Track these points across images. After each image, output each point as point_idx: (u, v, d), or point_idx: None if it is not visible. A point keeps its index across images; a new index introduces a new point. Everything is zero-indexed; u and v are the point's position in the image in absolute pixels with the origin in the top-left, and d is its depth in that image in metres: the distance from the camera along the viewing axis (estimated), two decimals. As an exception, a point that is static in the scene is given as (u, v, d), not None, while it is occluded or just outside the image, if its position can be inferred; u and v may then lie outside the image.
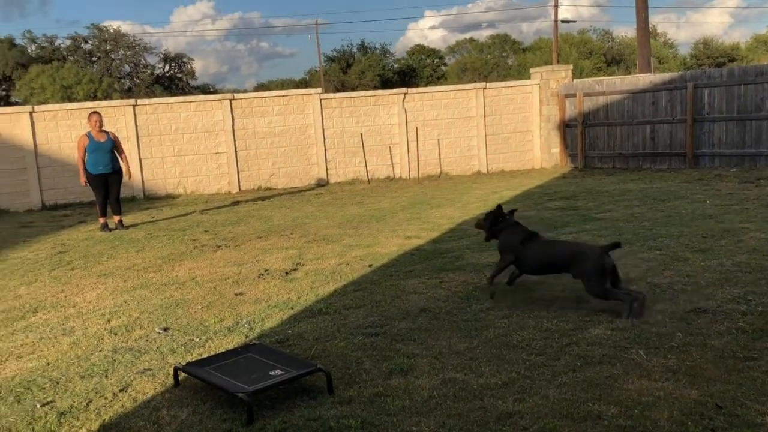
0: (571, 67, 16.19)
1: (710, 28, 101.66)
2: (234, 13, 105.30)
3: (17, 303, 6.00)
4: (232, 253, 7.73)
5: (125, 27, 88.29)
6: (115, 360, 4.39)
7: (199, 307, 5.53)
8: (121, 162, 10.03)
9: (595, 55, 52.64)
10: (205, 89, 53.32)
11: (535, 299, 5.17)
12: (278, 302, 5.50)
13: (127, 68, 54.55)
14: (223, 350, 4.36)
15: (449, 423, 3.26)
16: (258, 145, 14.60)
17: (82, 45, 53.59)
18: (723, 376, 3.59)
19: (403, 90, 15.48)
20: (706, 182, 11.30)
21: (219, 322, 5.07)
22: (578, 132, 15.10)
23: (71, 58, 51.80)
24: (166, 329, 4.97)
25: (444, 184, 13.91)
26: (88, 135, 9.74)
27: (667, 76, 14.22)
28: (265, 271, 6.66)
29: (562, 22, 39.26)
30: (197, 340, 4.71)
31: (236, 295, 5.84)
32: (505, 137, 15.70)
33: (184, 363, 4.03)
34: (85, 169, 9.76)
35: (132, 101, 14.31)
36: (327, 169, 14.92)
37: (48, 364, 4.41)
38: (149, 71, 54.44)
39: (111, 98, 37.71)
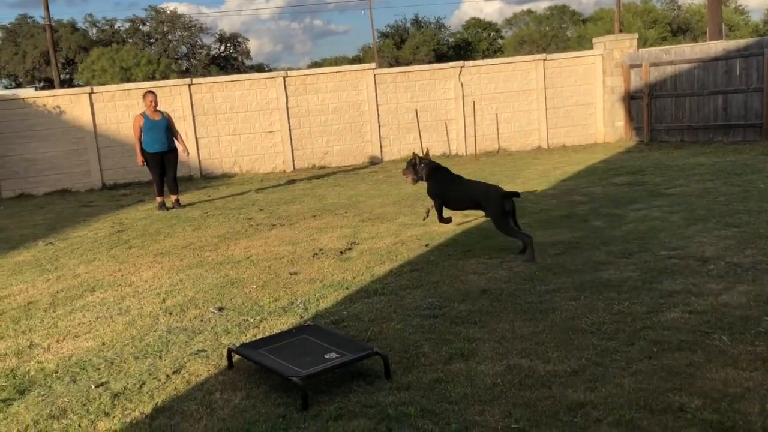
0: (636, 35, 15.43)
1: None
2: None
3: (76, 282, 6.04)
4: (286, 231, 7.64)
5: (182, 8, 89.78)
6: (169, 340, 4.33)
7: (254, 286, 5.44)
8: (176, 142, 10.06)
9: (660, 24, 50.35)
10: (260, 69, 53.79)
11: (604, 280, 4.87)
12: (333, 282, 5.37)
13: (184, 49, 55.54)
14: (278, 331, 4.25)
15: (516, 413, 3.05)
16: (311, 123, 14.48)
17: (141, 27, 54.76)
18: (821, 367, 3.25)
19: (460, 63, 15.06)
20: (784, 155, 10.60)
21: (274, 302, 4.97)
22: (644, 104, 14.40)
23: (130, 41, 53.04)
24: (220, 309, 4.90)
25: (502, 160, 13.52)
26: (144, 114, 9.79)
27: (741, 42, 13.37)
28: (320, 250, 6.54)
29: (624, -10, 37.68)
30: (251, 320, 4.62)
31: (291, 274, 5.73)
32: (566, 110, 15.12)
33: (238, 344, 3.92)
34: (142, 149, 9.82)
35: (187, 80, 14.36)
36: (381, 147, 14.68)
37: (104, 343, 4.39)
38: (205, 52, 55.27)
39: (168, 79, 38.33)
